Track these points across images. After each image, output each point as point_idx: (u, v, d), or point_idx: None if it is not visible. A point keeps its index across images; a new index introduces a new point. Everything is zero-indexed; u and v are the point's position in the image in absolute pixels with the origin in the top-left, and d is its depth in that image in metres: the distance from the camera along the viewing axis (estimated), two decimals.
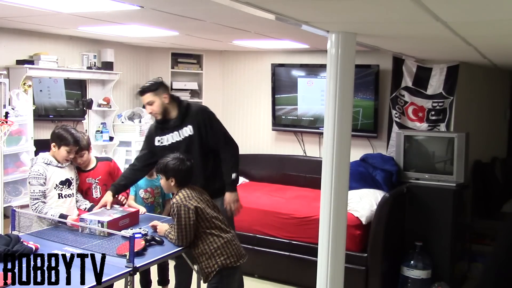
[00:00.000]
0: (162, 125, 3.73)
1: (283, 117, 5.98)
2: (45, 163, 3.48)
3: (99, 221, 3.30)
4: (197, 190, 3.30)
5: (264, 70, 6.10)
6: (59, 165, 3.53)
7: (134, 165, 3.87)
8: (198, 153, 3.63)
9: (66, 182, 3.53)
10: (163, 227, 3.35)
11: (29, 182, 3.47)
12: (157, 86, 3.67)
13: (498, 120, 6.45)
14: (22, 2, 3.18)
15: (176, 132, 3.68)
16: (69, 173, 3.58)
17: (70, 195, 3.56)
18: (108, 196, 3.64)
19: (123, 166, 5.59)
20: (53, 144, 3.51)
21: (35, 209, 3.40)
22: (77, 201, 3.64)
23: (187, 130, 3.66)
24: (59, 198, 3.50)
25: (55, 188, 3.49)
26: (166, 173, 3.29)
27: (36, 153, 4.54)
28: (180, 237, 3.15)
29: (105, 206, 3.58)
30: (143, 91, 3.68)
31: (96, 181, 3.78)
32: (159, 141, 3.74)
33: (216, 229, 3.19)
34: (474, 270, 5.12)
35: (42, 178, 3.43)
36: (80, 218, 3.38)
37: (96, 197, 3.77)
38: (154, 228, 3.41)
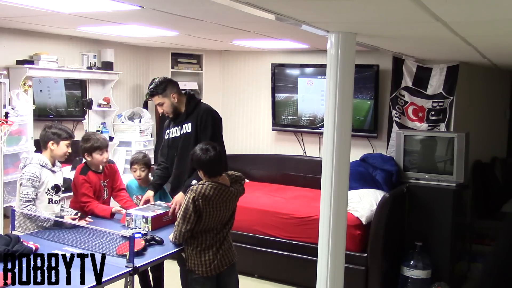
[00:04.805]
0: (173, 119, 3.78)
1: (283, 117, 5.98)
2: (41, 165, 3.40)
3: (143, 216, 3.43)
4: (224, 193, 3.14)
5: (264, 70, 6.10)
6: (53, 169, 3.47)
7: (161, 164, 3.88)
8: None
9: (55, 188, 3.47)
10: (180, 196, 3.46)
11: (21, 183, 3.33)
12: (164, 87, 3.69)
13: (498, 120, 6.44)
14: (22, 2, 3.18)
15: (178, 127, 3.72)
16: (59, 179, 3.52)
17: (57, 202, 3.50)
18: (150, 192, 3.78)
19: (123, 166, 5.60)
20: (51, 142, 3.44)
21: (28, 210, 3.31)
22: (62, 210, 3.56)
23: (187, 127, 3.68)
24: (49, 203, 3.44)
25: (46, 192, 3.42)
26: (193, 164, 3.25)
27: (36, 154, 4.55)
28: (181, 221, 3.09)
29: (148, 201, 3.72)
30: (151, 95, 3.73)
31: (105, 183, 3.81)
32: (167, 134, 3.80)
33: (205, 236, 3.14)
34: (474, 270, 5.12)
35: (37, 180, 3.35)
36: (127, 213, 3.53)
37: (104, 199, 3.80)
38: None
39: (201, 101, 3.87)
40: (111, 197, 3.95)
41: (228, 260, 3.25)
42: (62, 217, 3.42)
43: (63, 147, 3.47)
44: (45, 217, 3.33)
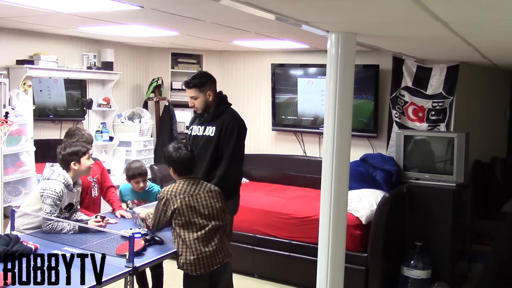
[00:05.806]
0: (199, 116, 3.72)
1: (283, 117, 5.98)
2: (65, 185, 3.37)
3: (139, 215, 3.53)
4: (197, 185, 3.20)
5: (264, 70, 6.10)
6: (73, 189, 3.45)
7: None
8: (211, 155, 3.58)
9: (68, 206, 3.46)
10: (145, 211, 3.46)
11: (45, 201, 3.31)
12: (204, 82, 3.62)
13: (498, 120, 6.44)
14: (22, 2, 3.18)
15: (202, 127, 3.66)
16: (75, 197, 3.50)
17: (65, 218, 3.46)
18: None
19: (123, 166, 5.59)
20: (73, 162, 3.39)
21: (51, 227, 3.30)
22: (76, 220, 3.51)
23: (210, 130, 3.61)
24: None
25: (59, 211, 3.39)
26: (165, 160, 3.31)
27: (36, 154, 4.55)
28: (154, 223, 3.21)
29: None
30: (188, 85, 3.62)
31: (94, 180, 3.80)
32: (190, 129, 3.76)
33: (188, 232, 3.12)
34: (474, 270, 5.12)
35: (59, 199, 3.33)
36: (133, 210, 3.69)
37: (94, 195, 3.80)
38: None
39: (231, 106, 3.77)
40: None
41: (220, 259, 3.20)
42: (86, 223, 3.41)
43: (85, 162, 3.45)
44: (68, 229, 3.32)
